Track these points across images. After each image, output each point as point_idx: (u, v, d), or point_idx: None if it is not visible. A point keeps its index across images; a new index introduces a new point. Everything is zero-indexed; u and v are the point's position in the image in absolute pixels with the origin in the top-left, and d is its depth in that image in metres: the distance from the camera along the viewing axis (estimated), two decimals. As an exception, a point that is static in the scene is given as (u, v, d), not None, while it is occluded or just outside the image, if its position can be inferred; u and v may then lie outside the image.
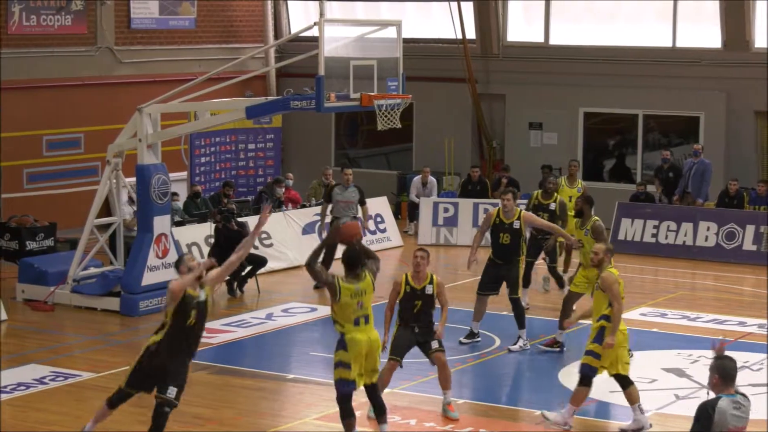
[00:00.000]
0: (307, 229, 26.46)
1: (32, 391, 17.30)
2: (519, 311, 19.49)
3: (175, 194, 26.02)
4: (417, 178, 29.97)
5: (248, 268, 23.50)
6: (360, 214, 24.33)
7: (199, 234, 24.84)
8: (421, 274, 16.14)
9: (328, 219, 24.12)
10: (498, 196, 21.00)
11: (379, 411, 14.38)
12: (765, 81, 28.79)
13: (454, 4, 31.65)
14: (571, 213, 21.16)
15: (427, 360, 16.13)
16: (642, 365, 18.79)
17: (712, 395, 10.56)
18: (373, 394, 14.32)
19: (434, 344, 16.08)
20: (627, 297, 22.38)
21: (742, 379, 14.53)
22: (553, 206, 21.47)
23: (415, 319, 16.20)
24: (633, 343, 19.95)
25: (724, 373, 10.39)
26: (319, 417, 16.54)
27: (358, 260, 13.80)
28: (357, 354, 13.85)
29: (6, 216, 26.85)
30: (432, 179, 29.87)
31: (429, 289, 16.23)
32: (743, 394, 10.41)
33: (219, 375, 18.41)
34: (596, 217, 18.67)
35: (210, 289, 13.47)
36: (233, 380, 18.21)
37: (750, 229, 26.86)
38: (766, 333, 20.27)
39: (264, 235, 25.59)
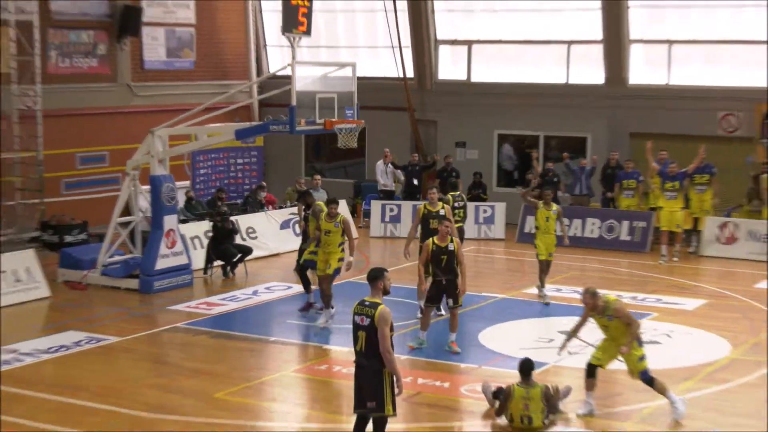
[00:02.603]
0: (284, 225, 26.88)
1: (72, 352, 17.68)
2: None
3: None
4: (380, 162, 30.25)
5: (238, 256, 23.63)
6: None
7: (199, 230, 24.93)
8: (445, 237, 17.17)
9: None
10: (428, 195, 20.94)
11: None
12: (637, 110, 29.11)
13: (397, 50, 31.82)
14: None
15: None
16: (542, 329, 19.10)
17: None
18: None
19: (450, 302, 17.20)
20: (530, 276, 22.73)
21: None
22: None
23: (443, 272, 17.03)
24: (537, 312, 20.32)
25: None
26: (295, 370, 16.88)
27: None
28: None
29: (49, 216, 26.98)
30: (391, 165, 30.21)
31: (451, 246, 17.17)
32: None
33: (215, 339, 18.83)
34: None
35: None
36: (227, 342, 18.54)
37: (625, 224, 27.17)
38: (637, 303, 20.56)
39: (250, 230, 25.78)
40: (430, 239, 17.43)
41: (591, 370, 14.43)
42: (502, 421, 13.96)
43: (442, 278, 17.11)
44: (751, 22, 28.24)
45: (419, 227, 19.76)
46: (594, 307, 14.18)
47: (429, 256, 17.25)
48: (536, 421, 13.72)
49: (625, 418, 14.37)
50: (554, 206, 21.38)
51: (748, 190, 26.97)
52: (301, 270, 20.31)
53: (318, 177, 25.62)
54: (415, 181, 29.51)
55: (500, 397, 14.09)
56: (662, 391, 14.13)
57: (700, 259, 25.79)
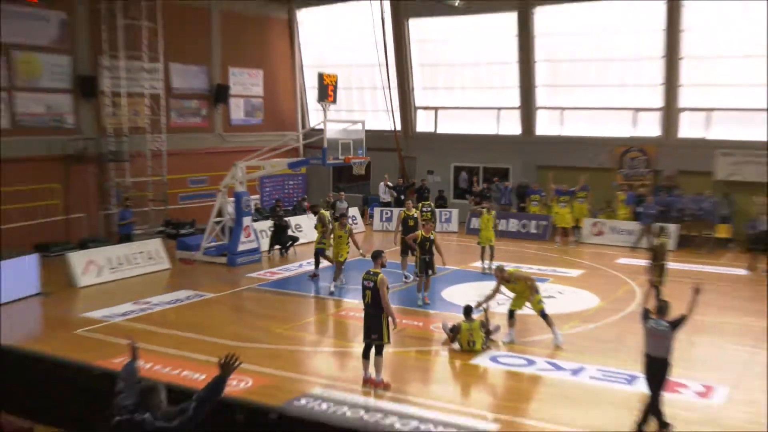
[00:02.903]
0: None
1: (184, 303, 17.92)
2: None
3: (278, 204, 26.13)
4: (381, 183, 30.14)
5: (289, 243, 23.68)
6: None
7: (265, 226, 24.83)
8: (428, 231, 17.28)
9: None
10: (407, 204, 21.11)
11: None
12: (541, 151, 29.17)
13: (390, 113, 31.85)
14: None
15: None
16: (481, 288, 19.15)
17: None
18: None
19: (430, 272, 17.30)
20: (470, 257, 22.68)
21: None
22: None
23: (427, 252, 17.15)
24: (478, 277, 20.34)
25: None
26: (327, 314, 16.91)
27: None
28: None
29: (170, 217, 27.21)
30: (387, 185, 30.00)
31: (432, 236, 17.29)
32: None
33: (276, 295, 18.91)
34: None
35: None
36: (283, 297, 18.65)
37: (533, 223, 27.23)
38: (540, 272, 20.60)
39: (298, 226, 25.82)
40: (419, 231, 17.65)
41: (511, 314, 14.61)
42: (456, 345, 14.06)
43: (426, 256, 17.30)
44: (615, 94, 28.43)
45: (401, 225, 20.03)
46: (502, 278, 14.39)
47: (417, 241, 17.40)
48: (478, 345, 13.87)
49: (533, 345, 14.44)
50: (492, 212, 21.36)
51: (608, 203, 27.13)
52: (316, 254, 20.46)
53: (342, 193, 25.75)
54: (402, 196, 29.55)
55: (453, 331, 14.22)
56: (550, 325, 14.32)
57: (580, 245, 25.87)
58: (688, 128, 27.32)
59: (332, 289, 18.60)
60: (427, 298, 17.43)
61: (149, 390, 6.56)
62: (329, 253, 19.87)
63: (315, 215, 21.35)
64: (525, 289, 14.45)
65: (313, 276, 20.15)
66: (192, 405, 6.43)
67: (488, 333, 14.22)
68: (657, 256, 16.90)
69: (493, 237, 20.95)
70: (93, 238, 24.01)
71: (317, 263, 20.28)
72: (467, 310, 14.25)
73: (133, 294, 18.38)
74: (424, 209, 21.99)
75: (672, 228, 24.15)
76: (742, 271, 21.50)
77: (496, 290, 14.59)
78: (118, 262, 20.48)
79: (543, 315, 14.37)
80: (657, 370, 10.21)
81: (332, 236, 19.07)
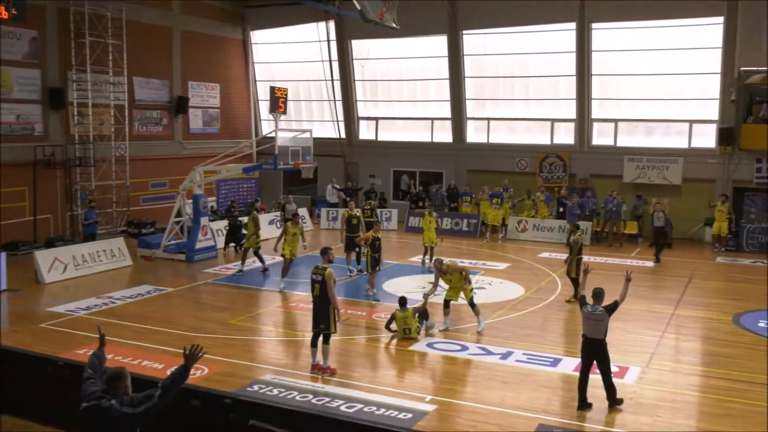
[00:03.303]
0: (270, 222, 26.16)
1: (145, 297, 17.29)
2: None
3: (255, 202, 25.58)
4: (329, 186, 29.50)
5: (243, 240, 23.12)
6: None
7: (221, 225, 24.25)
8: (377, 231, 17.05)
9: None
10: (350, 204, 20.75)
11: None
12: (471, 156, 29.19)
13: (336, 123, 31.56)
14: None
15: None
16: (420, 281, 18.93)
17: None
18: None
19: (378, 267, 17.07)
20: (408, 252, 22.48)
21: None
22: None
23: (376, 250, 16.88)
24: (418, 271, 20.14)
25: None
26: (277, 306, 16.54)
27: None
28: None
29: (132, 218, 26.49)
30: (334, 188, 29.38)
31: (379, 237, 17.01)
32: None
33: (231, 288, 18.39)
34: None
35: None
36: (238, 291, 18.15)
37: (465, 221, 27.14)
38: (471, 265, 20.46)
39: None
40: (370, 232, 17.29)
41: (446, 303, 14.38)
42: (393, 326, 13.86)
43: (376, 254, 17.01)
44: (534, 107, 28.56)
45: (345, 224, 19.63)
46: (440, 270, 14.21)
47: (368, 242, 17.05)
48: (413, 332, 13.62)
49: (466, 331, 14.24)
50: (433, 214, 20.66)
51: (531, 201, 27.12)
52: (255, 252, 19.99)
53: (290, 196, 25.19)
54: (348, 198, 29.13)
55: (389, 321, 13.97)
56: (477, 314, 14.22)
57: (507, 241, 25.81)
58: (599, 137, 27.59)
59: (282, 285, 17.93)
60: (375, 292, 17.02)
61: (116, 376, 6.23)
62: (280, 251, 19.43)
63: (248, 216, 20.36)
64: (460, 279, 14.22)
65: (264, 270, 19.71)
66: (157, 392, 6.12)
67: (425, 317, 14.00)
68: (572, 250, 16.82)
69: (435, 237, 20.28)
70: (59, 238, 23.16)
71: (262, 259, 20.00)
72: (402, 301, 13.94)
73: (96, 289, 17.66)
74: (367, 207, 21.83)
75: (586, 225, 24.29)
76: (649, 263, 21.67)
77: (437, 281, 14.40)
78: (83, 259, 19.66)
79: (471, 304, 14.19)
80: (596, 350, 10.28)
81: (285, 235, 18.36)
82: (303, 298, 16.68)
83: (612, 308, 10.31)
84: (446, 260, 14.60)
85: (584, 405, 10.37)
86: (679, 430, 9.85)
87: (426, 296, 14.39)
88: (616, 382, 10.79)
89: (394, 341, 13.58)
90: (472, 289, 14.32)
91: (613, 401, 10.43)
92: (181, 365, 6.29)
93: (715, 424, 10.01)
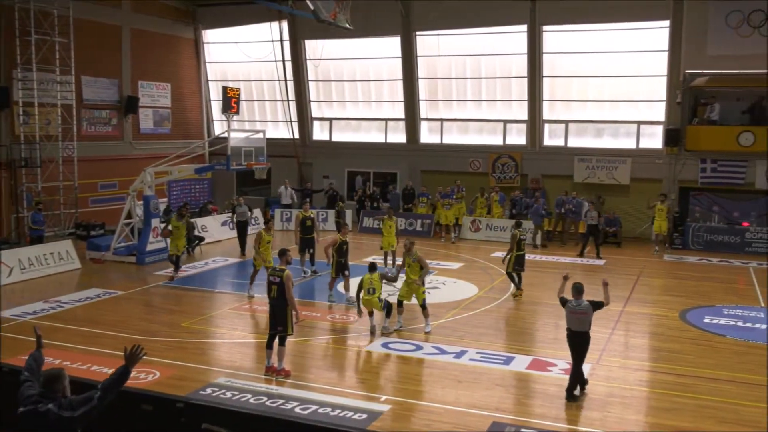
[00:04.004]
0: (222, 224, 25.95)
1: (94, 301, 16.95)
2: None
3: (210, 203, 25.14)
4: (282, 187, 29.01)
5: (196, 242, 23.00)
6: (251, 216, 24.04)
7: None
8: (345, 234, 16.50)
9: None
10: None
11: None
12: (425, 157, 29.31)
13: (290, 123, 31.36)
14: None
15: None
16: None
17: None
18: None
19: (346, 272, 16.39)
20: (363, 253, 22.48)
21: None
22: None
23: (343, 255, 16.27)
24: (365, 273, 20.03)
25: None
26: (230, 308, 16.36)
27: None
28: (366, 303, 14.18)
29: (81, 219, 25.96)
30: (290, 189, 28.92)
31: (347, 240, 16.47)
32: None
33: (183, 291, 18.13)
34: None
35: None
36: (190, 293, 17.90)
37: (419, 221, 27.20)
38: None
39: (203, 226, 25.06)
40: (338, 235, 16.78)
41: (399, 303, 14.44)
42: (362, 294, 14.08)
43: (342, 259, 16.43)
44: (486, 108, 28.81)
45: (299, 225, 19.40)
46: (408, 249, 14.30)
47: (335, 246, 16.32)
48: (378, 292, 14.00)
49: (420, 330, 14.24)
50: (393, 218, 19.79)
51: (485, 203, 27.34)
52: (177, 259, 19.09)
53: (240, 198, 24.67)
54: (308, 199, 28.90)
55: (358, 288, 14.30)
56: (426, 316, 14.23)
57: (460, 241, 25.97)
58: (550, 138, 27.97)
59: (252, 292, 17.06)
60: (330, 294, 16.85)
61: (53, 378, 6.05)
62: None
63: (182, 218, 19.34)
64: (416, 272, 14.20)
65: (172, 279, 18.76)
66: (96, 394, 5.93)
67: (388, 280, 14.50)
68: (511, 247, 17.14)
69: (395, 242, 19.58)
70: (4, 240, 22.62)
71: (177, 266, 18.97)
72: (371, 267, 14.25)
73: (43, 293, 17.23)
74: (336, 209, 21.88)
75: (528, 224, 24.60)
76: (599, 261, 22.03)
77: (404, 261, 14.50)
78: (29, 262, 19.17)
79: (423, 306, 14.20)
80: (580, 342, 10.64)
81: (261, 242, 16.93)
82: (258, 300, 16.54)
83: (597, 305, 10.69)
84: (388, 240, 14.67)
85: (572, 397, 10.72)
86: (629, 425, 10.03)
87: (396, 271, 14.72)
88: (567, 379, 10.95)
89: (342, 341, 13.55)
90: (424, 291, 14.35)
91: (582, 389, 10.93)
92: (121, 366, 6.11)
93: (663, 419, 10.22)
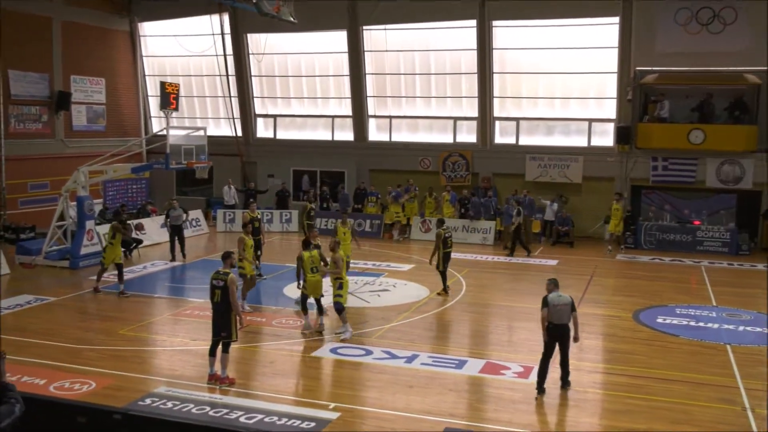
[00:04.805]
0: (162, 226, 25.29)
1: (25, 308, 16.49)
2: None
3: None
4: (226, 187, 28.53)
5: (134, 245, 22.60)
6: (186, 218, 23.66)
7: (108, 229, 23.25)
8: (314, 237, 16.15)
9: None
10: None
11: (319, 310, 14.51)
12: (374, 156, 29.27)
13: (232, 120, 31.12)
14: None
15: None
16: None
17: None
18: (317, 302, 14.47)
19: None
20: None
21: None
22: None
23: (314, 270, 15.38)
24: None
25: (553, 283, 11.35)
26: (170, 314, 16.11)
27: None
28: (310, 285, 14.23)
29: (10, 222, 25.27)
30: (233, 186, 28.53)
31: (319, 244, 15.74)
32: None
33: (118, 297, 17.65)
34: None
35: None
36: (128, 298, 17.50)
37: (368, 222, 27.15)
38: (374, 268, 20.41)
39: (141, 229, 24.58)
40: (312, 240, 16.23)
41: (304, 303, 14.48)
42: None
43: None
44: (436, 105, 28.99)
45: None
46: (333, 246, 14.38)
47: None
48: (320, 270, 14.29)
49: (370, 335, 14.22)
50: (348, 222, 18.72)
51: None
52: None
53: (175, 201, 23.83)
54: (252, 200, 28.58)
55: (298, 263, 14.46)
56: (344, 321, 14.07)
57: (410, 242, 26.05)
58: (501, 136, 28.25)
59: (247, 307, 16.08)
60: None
61: None
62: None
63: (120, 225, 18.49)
64: (331, 271, 14.24)
65: (96, 290, 17.93)
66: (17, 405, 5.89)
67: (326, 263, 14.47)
68: (437, 245, 17.46)
69: (350, 251, 18.52)
70: (-74, 245, 21.82)
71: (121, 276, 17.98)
72: (306, 243, 14.79)
73: (-31, 301, 16.69)
74: (308, 210, 21.93)
75: (490, 225, 24.80)
76: (552, 262, 22.33)
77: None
78: (-47, 268, 18.61)
79: (338, 308, 13.99)
80: (561, 334, 11.11)
81: (245, 247, 16.12)
82: (199, 305, 16.33)
83: (573, 306, 11.29)
84: (340, 253, 14.44)
85: (542, 390, 11.10)
86: (583, 427, 10.17)
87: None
88: (521, 383, 11.06)
89: (288, 347, 13.49)
90: (340, 295, 14.12)
91: (566, 383, 11.42)
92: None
93: (617, 420, 10.41)
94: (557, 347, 11.25)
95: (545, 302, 11.08)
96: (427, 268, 21.04)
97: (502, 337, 14.36)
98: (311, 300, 14.48)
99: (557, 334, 11.07)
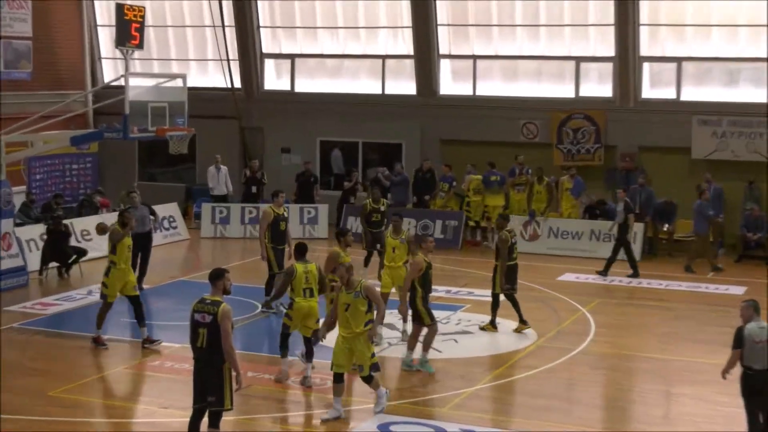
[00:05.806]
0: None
1: None
2: None
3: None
4: (211, 167, 28.93)
5: (73, 257, 22.87)
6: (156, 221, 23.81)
7: (35, 233, 23.69)
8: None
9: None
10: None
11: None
12: (447, 119, 29.27)
13: (226, 62, 31.37)
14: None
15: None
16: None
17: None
18: (307, 341, 14.78)
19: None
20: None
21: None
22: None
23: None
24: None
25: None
26: (128, 367, 16.25)
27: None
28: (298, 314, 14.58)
29: None
30: (224, 167, 28.91)
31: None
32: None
33: (51, 338, 18.06)
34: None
35: None
36: (62, 341, 17.84)
37: (440, 223, 27.14)
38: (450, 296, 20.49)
39: (85, 233, 24.88)
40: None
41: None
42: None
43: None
44: (547, 39, 28.82)
45: (270, 228, 19.31)
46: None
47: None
48: (316, 294, 14.74)
49: (431, 404, 14.19)
50: (405, 233, 18.47)
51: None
52: None
53: (134, 193, 24.03)
54: (254, 189, 28.87)
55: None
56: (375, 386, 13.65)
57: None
58: (652, 87, 27.94)
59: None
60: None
61: None
62: None
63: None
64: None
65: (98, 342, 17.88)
66: None
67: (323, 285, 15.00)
68: (500, 254, 18.10)
69: (401, 279, 17.09)
70: None
71: None
72: (300, 248, 15.00)
73: None
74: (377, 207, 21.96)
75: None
76: (737, 289, 22.06)
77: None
78: None
79: (371, 375, 13.66)
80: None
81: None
82: (174, 351, 16.38)
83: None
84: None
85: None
86: None
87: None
88: None
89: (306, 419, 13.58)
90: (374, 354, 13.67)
91: None
92: None
93: None
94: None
95: (739, 337, 11.03)
96: (533, 297, 20.89)
97: (654, 410, 14.24)
98: (297, 333, 14.80)
99: (758, 385, 10.96)
